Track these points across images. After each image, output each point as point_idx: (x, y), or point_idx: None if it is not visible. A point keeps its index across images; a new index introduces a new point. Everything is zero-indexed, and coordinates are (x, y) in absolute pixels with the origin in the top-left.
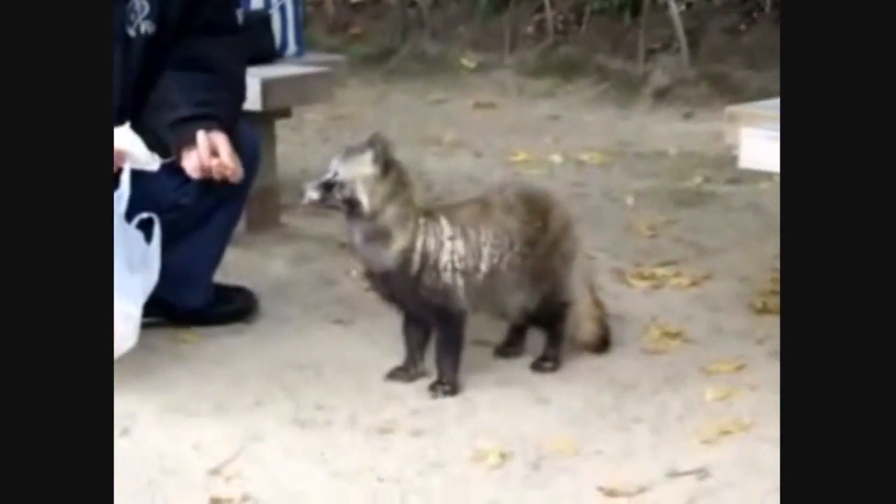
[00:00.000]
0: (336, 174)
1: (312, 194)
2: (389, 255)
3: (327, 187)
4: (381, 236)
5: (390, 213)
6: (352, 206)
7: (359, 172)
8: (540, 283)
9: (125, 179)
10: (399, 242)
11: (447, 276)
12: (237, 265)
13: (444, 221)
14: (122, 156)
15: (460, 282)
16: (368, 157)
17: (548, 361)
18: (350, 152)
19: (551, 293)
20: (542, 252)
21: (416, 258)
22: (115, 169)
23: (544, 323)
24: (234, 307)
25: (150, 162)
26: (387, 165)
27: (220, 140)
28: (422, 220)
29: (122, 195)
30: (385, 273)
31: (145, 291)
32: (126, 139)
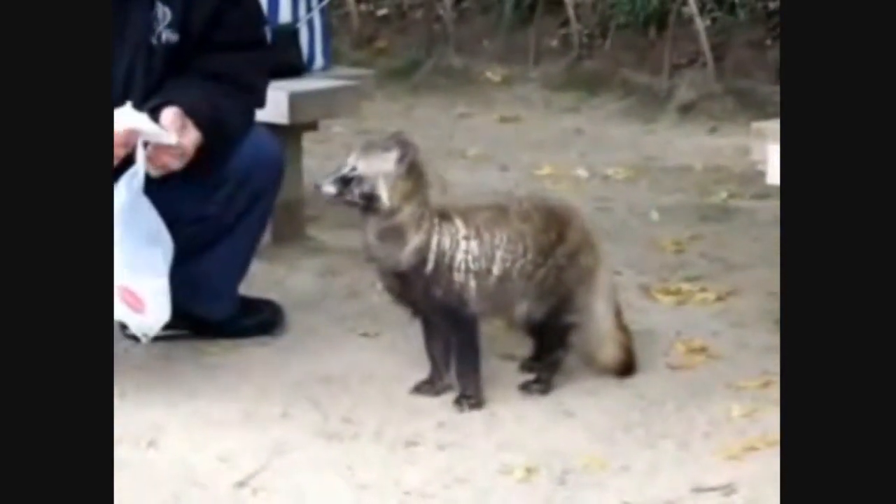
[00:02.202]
0: (354, 169)
1: (329, 188)
2: (404, 255)
3: (345, 182)
4: (395, 235)
5: (407, 211)
6: (370, 201)
7: (381, 168)
8: (549, 296)
9: (140, 156)
10: (414, 241)
11: (460, 276)
12: (263, 278)
13: (458, 221)
14: (133, 134)
15: (472, 283)
16: (393, 155)
17: (538, 384)
18: (371, 148)
19: (559, 308)
20: (557, 264)
21: (431, 257)
22: (128, 149)
23: (546, 341)
24: (260, 319)
25: (163, 134)
26: (411, 166)
27: (171, 113)
28: (436, 220)
29: (136, 172)
30: (400, 273)
31: (167, 261)
32: (131, 118)
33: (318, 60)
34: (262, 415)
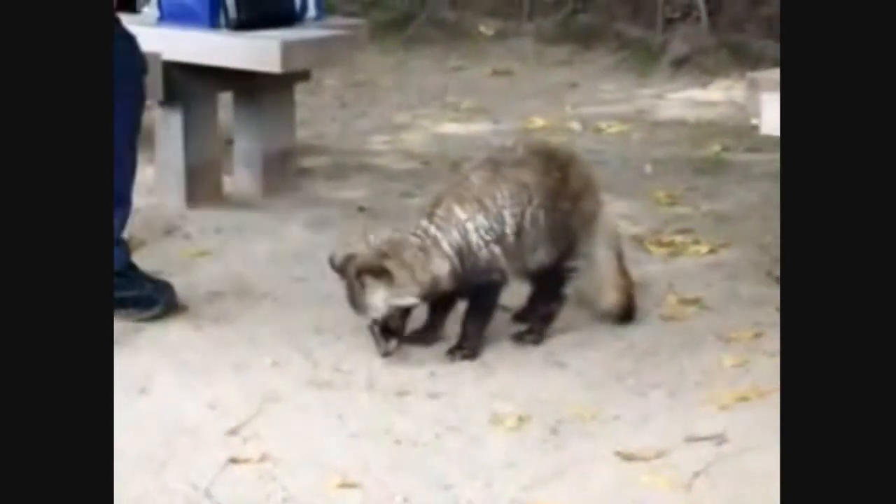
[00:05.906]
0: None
1: (390, 346)
2: (443, 282)
3: (386, 330)
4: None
5: (415, 273)
6: (405, 311)
7: (379, 301)
8: (558, 241)
9: None
10: (442, 268)
11: (484, 253)
12: (255, 229)
13: (456, 209)
14: None
15: (497, 250)
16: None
17: (532, 334)
18: (355, 306)
19: (566, 253)
20: (563, 208)
21: (457, 260)
22: None
23: (545, 289)
24: (138, 293)
25: None
26: (373, 272)
27: None
28: (428, 242)
29: None
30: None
31: None
32: None
33: (311, 10)
34: (252, 364)
